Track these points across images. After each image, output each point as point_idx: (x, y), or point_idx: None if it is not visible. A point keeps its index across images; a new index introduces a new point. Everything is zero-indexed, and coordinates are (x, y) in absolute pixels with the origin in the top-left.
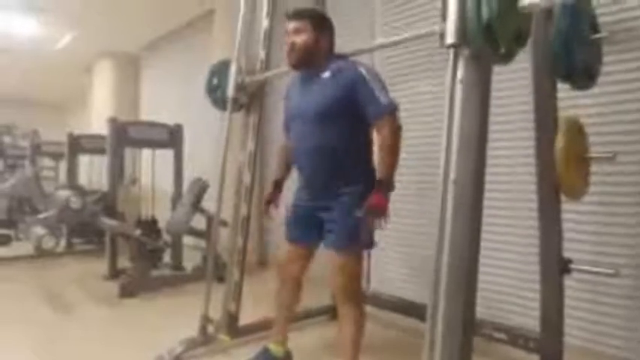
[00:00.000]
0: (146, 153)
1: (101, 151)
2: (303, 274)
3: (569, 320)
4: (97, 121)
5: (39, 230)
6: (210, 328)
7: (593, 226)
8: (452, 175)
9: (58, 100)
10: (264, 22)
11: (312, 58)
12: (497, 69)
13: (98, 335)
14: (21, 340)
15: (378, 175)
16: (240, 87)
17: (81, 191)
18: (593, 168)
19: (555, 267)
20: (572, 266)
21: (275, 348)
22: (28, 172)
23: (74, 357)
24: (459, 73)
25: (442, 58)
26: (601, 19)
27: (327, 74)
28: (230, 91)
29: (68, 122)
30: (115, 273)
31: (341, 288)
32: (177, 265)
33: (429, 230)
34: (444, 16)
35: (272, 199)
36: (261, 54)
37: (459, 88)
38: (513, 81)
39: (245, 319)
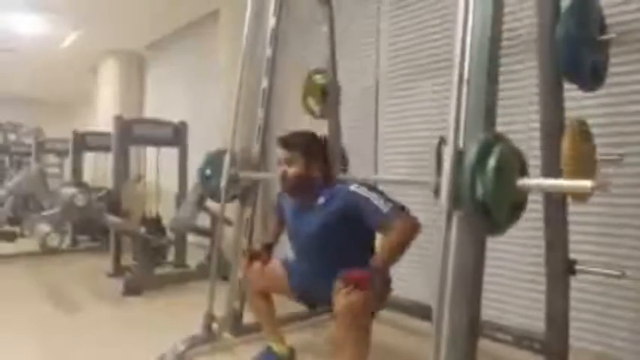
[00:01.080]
0: (151, 150)
1: (106, 148)
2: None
3: (575, 322)
4: (102, 120)
5: (44, 227)
6: (214, 326)
7: (599, 228)
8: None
9: (64, 99)
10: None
11: (305, 186)
12: (503, 66)
13: (102, 332)
14: (24, 336)
15: (375, 260)
16: (233, 179)
17: (86, 188)
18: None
19: (561, 268)
20: (578, 267)
21: (277, 346)
22: (34, 169)
23: (78, 354)
24: (453, 230)
25: (446, 65)
26: (608, 20)
27: (321, 200)
28: (223, 182)
29: (73, 120)
30: (119, 270)
31: (345, 308)
32: (181, 262)
33: (434, 230)
34: (438, 168)
35: (258, 258)
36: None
37: (452, 242)
38: (519, 81)
39: (249, 317)
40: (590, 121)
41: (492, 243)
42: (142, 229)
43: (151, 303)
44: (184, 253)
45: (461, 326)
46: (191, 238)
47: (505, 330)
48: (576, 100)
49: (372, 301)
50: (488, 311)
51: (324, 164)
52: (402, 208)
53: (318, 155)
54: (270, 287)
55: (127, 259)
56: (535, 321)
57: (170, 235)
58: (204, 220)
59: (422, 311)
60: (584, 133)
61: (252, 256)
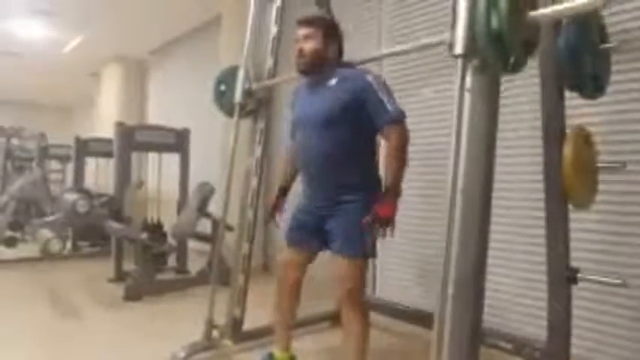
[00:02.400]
0: (153, 157)
1: (108, 154)
2: (302, 279)
3: (576, 330)
4: (104, 125)
5: (46, 233)
6: (215, 333)
7: (601, 236)
8: (460, 184)
9: (66, 104)
10: (273, 29)
11: (321, 65)
12: (505, 77)
13: (102, 338)
14: (24, 341)
15: (386, 182)
16: (247, 93)
17: (88, 195)
18: (602, 177)
19: (562, 276)
20: (580, 276)
21: (279, 354)
22: (36, 174)
23: (77, 359)
24: (467, 83)
25: (449, 64)
26: (609, 28)
27: (334, 81)
28: (237, 97)
29: (75, 125)
30: (120, 276)
31: (345, 294)
32: (182, 269)
33: (434, 237)
34: (453, 25)
35: (278, 206)
36: (269, 61)
37: (467, 97)
38: (521, 88)
39: (249, 324)
40: (591, 129)
41: (495, 251)
42: (144, 235)
43: (152, 309)
44: (185, 260)
45: (462, 325)
46: (192, 244)
47: (506, 338)
48: (577, 108)
49: (363, 281)
50: (490, 318)
51: (339, 49)
52: (403, 114)
53: (335, 36)
54: (303, 267)
55: (128, 265)
56: (537, 329)
57: (171, 241)
58: (205, 227)
59: (422, 317)
60: (585, 140)
61: (274, 207)
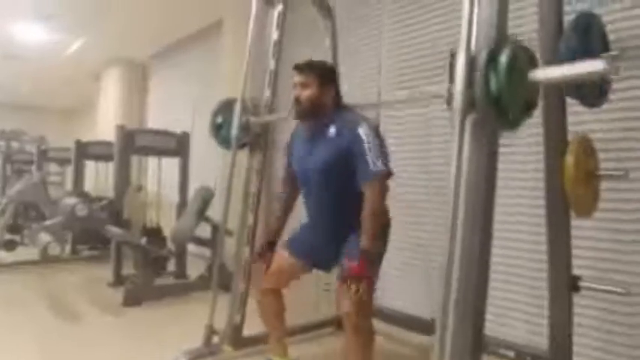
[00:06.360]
0: (152, 161)
1: (108, 157)
2: (283, 288)
3: (578, 338)
4: (104, 128)
5: (45, 237)
6: (215, 339)
7: (603, 244)
8: (462, 193)
9: (67, 107)
10: (274, 34)
11: (317, 112)
12: None
13: (101, 343)
14: (24, 346)
15: (361, 243)
16: (244, 127)
17: (87, 198)
18: (604, 184)
19: (564, 284)
20: (582, 284)
21: (279, 359)
22: (35, 177)
23: None
24: (466, 137)
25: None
26: (611, 35)
27: (332, 131)
28: (234, 130)
29: (77, 129)
30: (119, 280)
31: (352, 312)
32: (181, 273)
33: (436, 243)
34: (450, 80)
35: (263, 257)
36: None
37: (465, 151)
38: None
39: (250, 329)
40: (592, 137)
41: (495, 257)
42: (143, 240)
43: (151, 314)
44: (185, 264)
45: (464, 333)
46: (192, 248)
47: (507, 345)
48: (578, 115)
49: (371, 300)
50: (492, 326)
51: (336, 94)
52: (387, 170)
53: (331, 82)
54: (282, 279)
55: (128, 269)
56: (538, 337)
57: (170, 245)
58: (205, 231)
59: (423, 324)
60: (587, 148)
61: (259, 255)
